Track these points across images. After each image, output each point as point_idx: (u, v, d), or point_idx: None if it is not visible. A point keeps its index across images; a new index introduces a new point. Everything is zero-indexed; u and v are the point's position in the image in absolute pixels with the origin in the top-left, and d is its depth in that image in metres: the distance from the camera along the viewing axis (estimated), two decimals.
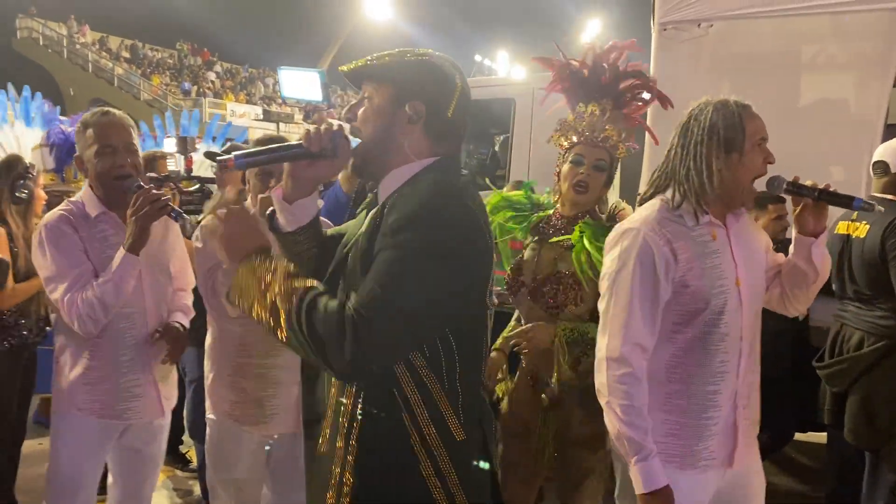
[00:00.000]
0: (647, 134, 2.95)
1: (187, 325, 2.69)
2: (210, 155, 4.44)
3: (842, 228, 3.29)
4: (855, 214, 3.26)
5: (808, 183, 1.91)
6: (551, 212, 2.53)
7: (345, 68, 1.55)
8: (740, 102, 1.88)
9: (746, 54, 4.06)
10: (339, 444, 1.50)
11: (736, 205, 1.92)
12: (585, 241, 2.32)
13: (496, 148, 6.50)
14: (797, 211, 1.94)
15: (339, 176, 4.39)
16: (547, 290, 2.38)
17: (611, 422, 1.84)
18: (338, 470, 1.49)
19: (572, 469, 2.38)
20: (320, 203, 3.83)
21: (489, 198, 2.66)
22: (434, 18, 34.49)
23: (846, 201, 1.89)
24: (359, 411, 1.47)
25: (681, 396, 1.88)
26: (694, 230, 1.88)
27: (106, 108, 2.52)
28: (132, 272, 2.36)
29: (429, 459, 1.44)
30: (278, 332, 1.37)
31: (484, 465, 1.54)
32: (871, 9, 3.75)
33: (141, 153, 2.57)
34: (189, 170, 4.53)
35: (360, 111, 1.53)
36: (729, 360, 1.87)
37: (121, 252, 2.34)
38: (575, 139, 2.42)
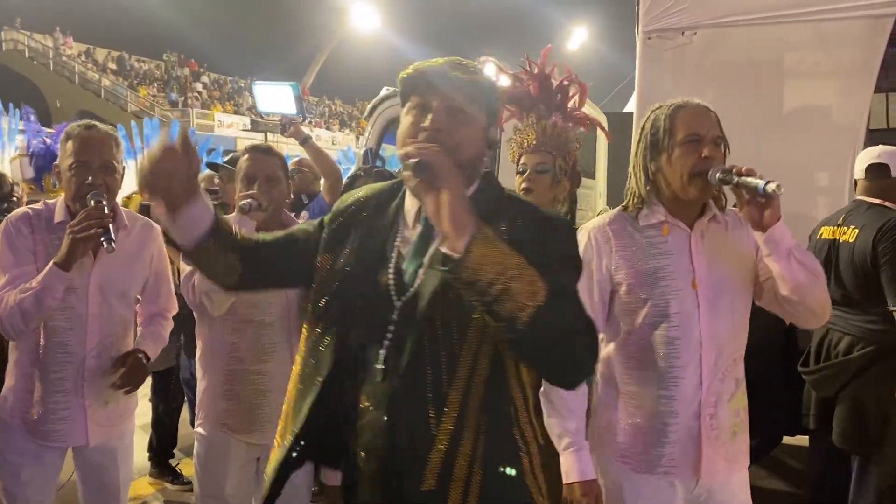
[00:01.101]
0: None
1: (154, 355, 2.62)
2: (213, 166, 4.43)
3: (826, 233, 3.31)
4: (841, 219, 3.27)
5: (735, 170, 1.76)
6: None
7: (461, 75, 1.44)
8: (679, 104, 1.88)
9: (730, 62, 4.09)
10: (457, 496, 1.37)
11: (689, 205, 1.89)
12: None
13: None
14: (741, 204, 1.78)
15: (322, 187, 4.42)
16: None
17: (545, 411, 1.93)
18: None
19: None
20: (305, 215, 3.84)
21: None
22: (421, 28, 34.60)
23: (754, 188, 1.69)
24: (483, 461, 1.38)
25: (633, 398, 1.91)
26: (643, 230, 1.91)
27: (92, 122, 2.47)
28: (57, 287, 2.28)
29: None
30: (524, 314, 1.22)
31: None
32: (851, 17, 3.79)
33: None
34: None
35: (462, 128, 1.43)
36: (684, 366, 1.85)
37: (50, 264, 2.28)
38: (517, 149, 2.60)
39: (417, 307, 1.41)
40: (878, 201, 3.16)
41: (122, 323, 2.56)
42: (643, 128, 1.93)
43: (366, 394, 1.43)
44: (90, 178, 2.35)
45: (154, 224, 2.65)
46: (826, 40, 4.00)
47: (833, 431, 3.14)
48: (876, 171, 3.20)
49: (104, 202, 2.30)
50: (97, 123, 2.48)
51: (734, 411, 1.91)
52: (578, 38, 32.40)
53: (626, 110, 7.18)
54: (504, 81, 2.95)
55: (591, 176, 5.96)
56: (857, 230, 3.12)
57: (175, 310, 2.79)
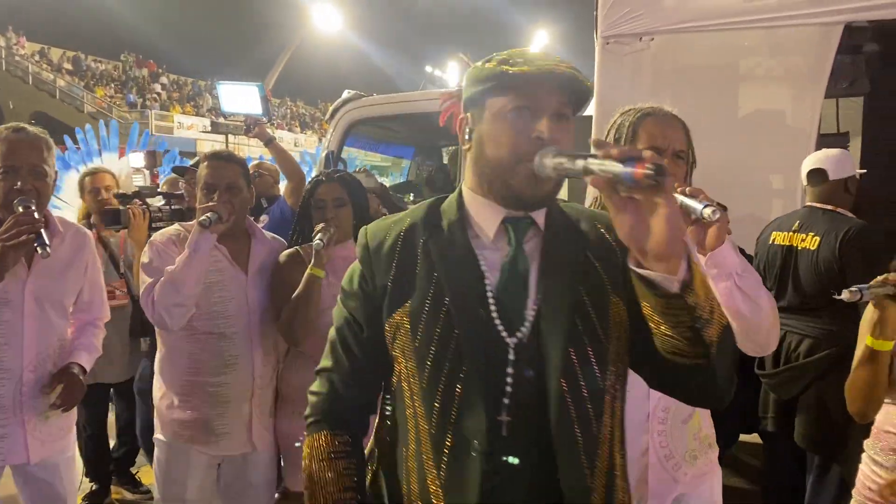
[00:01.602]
0: None
1: (89, 366, 2.55)
2: (179, 170, 4.37)
3: (780, 239, 3.36)
4: (796, 225, 3.34)
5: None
6: None
7: (583, 81, 1.25)
8: (647, 111, 1.81)
9: (687, 67, 4.16)
10: None
11: None
12: None
13: (445, 160, 6.53)
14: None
15: (285, 189, 4.39)
16: None
17: None
18: None
19: None
20: (265, 219, 3.81)
21: None
22: (385, 30, 34.53)
23: (692, 210, 1.52)
24: None
25: None
26: None
27: (21, 126, 2.36)
28: None
29: None
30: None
31: None
32: (802, 24, 3.88)
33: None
34: (156, 185, 4.45)
35: (567, 137, 1.25)
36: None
37: None
38: None
39: (542, 343, 1.21)
40: (830, 207, 3.23)
41: (59, 335, 2.47)
42: (607, 133, 1.89)
43: (497, 447, 1.20)
44: (19, 183, 2.25)
45: (86, 231, 2.60)
46: (779, 47, 4.09)
47: (795, 432, 3.19)
48: (815, 176, 3.28)
49: (33, 207, 2.21)
50: (27, 126, 2.37)
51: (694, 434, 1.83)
52: (540, 42, 32.64)
53: (586, 114, 7.25)
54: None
55: None
56: (817, 237, 3.16)
57: (107, 317, 2.73)
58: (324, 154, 5.92)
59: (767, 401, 3.35)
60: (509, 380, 1.21)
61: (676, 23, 4.02)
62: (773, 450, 3.51)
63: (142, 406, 3.90)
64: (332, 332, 1.41)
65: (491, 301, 1.24)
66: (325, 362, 1.41)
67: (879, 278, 1.86)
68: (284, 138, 29.27)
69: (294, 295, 2.53)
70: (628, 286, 1.16)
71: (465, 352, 1.21)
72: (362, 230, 1.40)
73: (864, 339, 1.94)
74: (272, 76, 34.45)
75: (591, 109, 4.92)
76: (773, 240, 3.37)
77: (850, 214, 3.20)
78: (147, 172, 4.80)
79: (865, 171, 3.28)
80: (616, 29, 4.08)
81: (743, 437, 4.09)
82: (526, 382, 1.21)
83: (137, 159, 4.82)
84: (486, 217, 1.30)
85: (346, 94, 6.08)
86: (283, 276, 2.64)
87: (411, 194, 6.42)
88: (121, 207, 3.45)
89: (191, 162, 4.54)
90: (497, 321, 1.23)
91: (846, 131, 4.84)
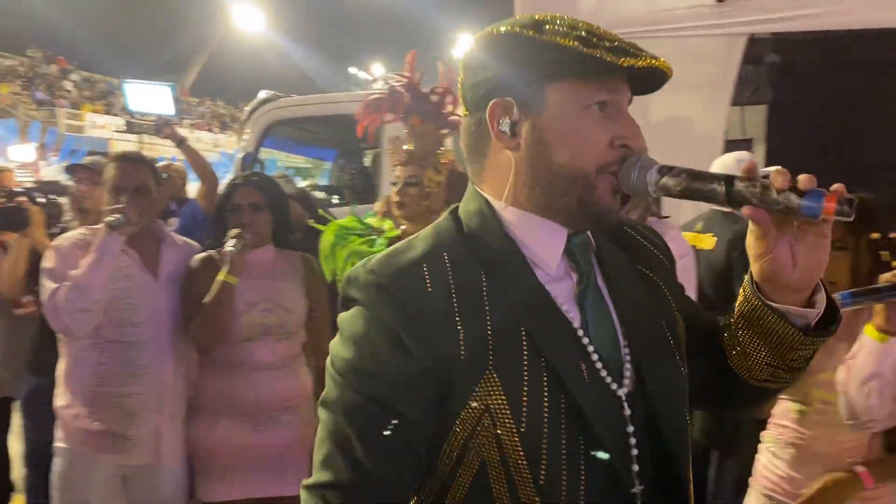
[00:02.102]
0: None
1: None
2: (71, 168, 4.14)
3: (687, 239, 3.50)
4: (699, 225, 3.48)
5: None
6: (399, 231, 2.58)
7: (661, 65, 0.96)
8: None
9: None
10: None
11: None
12: None
13: (366, 163, 6.50)
14: None
15: (198, 192, 4.27)
16: None
17: None
18: None
19: None
20: (174, 221, 3.70)
21: (329, 230, 2.69)
22: (307, 29, 34.09)
23: None
24: None
25: None
26: None
27: None
28: None
29: None
30: None
31: None
32: (709, 34, 4.05)
33: None
34: (38, 181, 4.25)
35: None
36: None
37: None
38: (395, 160, 2.58)
39: (647, 388, 0.99)
40: (726, 209, 3.38)
41: None
42: None
43: None
44: None
45: None
46: (688, 56, 4.25)
47: (695, 427, 3.32)
48: None
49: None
50: None
51: None
52: (466, 45, 32.71)
53: None
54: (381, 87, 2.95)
55: None
56: (714, 238, 3.34)
57: None
58: (240, 156, 5.80)
59: None
60: (633, 440, 0.96)
61: None
62: None
63: (29, 425, 3.36)
64: (328, 428, 0.95)
65: (590, 348, 0.97)
66: (332, 474, 0.92)
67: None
68: (203, 139, 28.51)
69: (205, 301, 2.46)
70: (682, 301, 1.10)
71: (587, 422, 0.92)
72: (361, 273, 0.97)
73: None
74: (190, 75, 33.56)
75: None
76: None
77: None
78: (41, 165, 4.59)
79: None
80: None
81: None
82: (645, 438, 0.98)
83: (24, 153, 4.61)
84: (544, 242, 0.99)
85: (262, 95, 5.99)
86: (195, 281, 2.56)
87: (335, 197, 6.37)
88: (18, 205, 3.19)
89: (84, 160, 4.30)
90: (603, 372, 0.97)
91: (751, 137, 5.07)
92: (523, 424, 0.91)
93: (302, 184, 6.94)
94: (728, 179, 0.89)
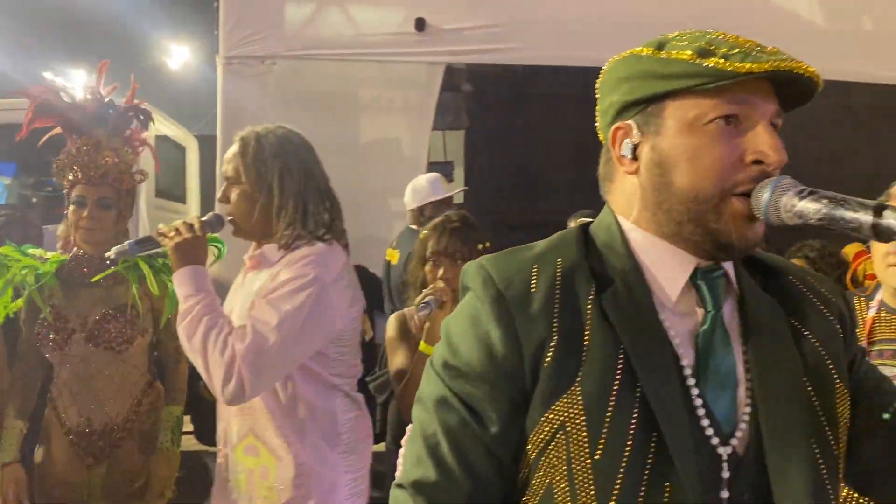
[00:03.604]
0: None
1: None
2: None
3: (386, 255, 3.78)
4: (394, 242, 3.74)
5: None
6: (68, 256, 2.33)
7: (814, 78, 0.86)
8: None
9: (312, 92, 4.29)
10: None
11: None
12: (144, 268, 2.24)
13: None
14: None
15: None
16: (111, 327, 2.24)
17: None
18: None
19: None
20: None
21: None
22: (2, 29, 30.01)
23: None
24: None
25: None
26: None
27: None
28: None
29: None
30: None
31: None
32: (410, 61, 4.27)
33: None
34: None
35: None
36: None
37: None
38: (71, 177, 2.28)
39: (764, 457, 0.86)
40: (415, 227, 3.72)
41: None
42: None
43: None
44: None
45: None
46: (393, 80, 4.45)
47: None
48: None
49: None
50: None
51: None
52: (181, 57, 31.18)
53: (210, 134, 7.13)
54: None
55: (182, 200, 5.75)
56: (398, 253, 3.64)
57: None
58: None
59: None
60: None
61: (297, 49, 4.13)
62: None
63: None
64: (420, 424, 0.91)
65: (694, 392, 0.86)
66: (420, 471, 0.88)
67: (428, 289, 2.02)
68: None
69: None
70: (856, 374, 0.94)
71: (672, 468, 0.82)
72: (475, 266, 0.93)
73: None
74: None
75: (216, 129, 4.82)
76: (386, 256, 3.77)
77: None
78: None
79: (439, 198, 3.73)
80: (238, 50, 4.06)
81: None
82: None
83: None
84: (668, 269, 0.90)
85: None
86: None
87: None
88: None
89: None
90: (705, 421, 0.85)
91: (451, 160, 5.44)
92: (598, 452, 0.82)
93: None
94: (877, 208, 0.77)
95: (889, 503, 0.95)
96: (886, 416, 0.92)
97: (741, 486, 0.85)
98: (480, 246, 2.15)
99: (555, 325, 0.85)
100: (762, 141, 0.84)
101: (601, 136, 0.97)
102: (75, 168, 2.28)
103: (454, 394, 0.88)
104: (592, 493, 0.82)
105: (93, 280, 2.26)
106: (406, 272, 3.43)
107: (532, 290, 0.87)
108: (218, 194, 1.90)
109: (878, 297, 1.83)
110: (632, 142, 0.90)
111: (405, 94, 4.54)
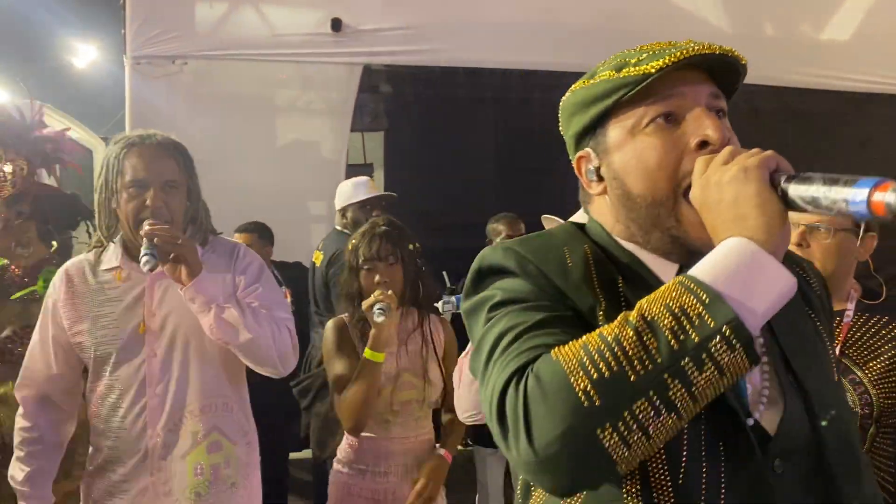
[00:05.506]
0: None
1: None
2: None
3: (313, 257, 3.75)
4: (320, 244, 3.69)
5: None
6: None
7: (740, 58, 0.92)
8: (133, 140, 1.75)
9: (223, 93, 4.17)
10: None
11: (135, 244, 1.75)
12: None
13: None
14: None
15: None
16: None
17: None
18: None
19: None
20: None
21: None
22: None
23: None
24: None
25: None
26: (99, 275, 1.83)
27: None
28: None
29: None
30: None
31: None
32: (327, 62, 4.21)
33: None
34: None
35: (734, 137, 0.94)
36: (125, 415, 1.79)
37: None
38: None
39: (799, 455, 0.89)
40: (339, 228, 3.71)
41: None
42: (104, 163, 1.76)
43: None
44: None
45: None
46: (310, 82, 4.37)
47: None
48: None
49: None
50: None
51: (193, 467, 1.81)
52: (88, 56, 29.88)
53: None
54: None
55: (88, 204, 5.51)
56: (321, 254, 3.62)
57: None
58: None
59: None
60: (777, 457, 0.89)
61: (208, 49, 4.01)
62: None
63: None
64: (495, 338, 0.87)
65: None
66: (526, 356, 0.83)
67: (370, 299, 2.00)
68: None
69: None
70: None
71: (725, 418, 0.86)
72: (501, 250, 0.95)
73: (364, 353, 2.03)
74: None
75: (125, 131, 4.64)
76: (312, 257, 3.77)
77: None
78: None
79: (361, 200, 3.70)
80: (146, 50, 3.91)
81: (294, 456, 4.20)
82: (804, 451, 0.91)
83: None
84: (658, 267, 0.95)
85: None
86: None
87: None
88: None
89: None
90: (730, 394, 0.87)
91: (371, 162, 5.39)
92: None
93: None
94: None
95: None
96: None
97: (790, 485, 0.87)
98: (411, 246, 2.18)
99: (599, 293, 0.90)
100: (700, 124, 0.89)
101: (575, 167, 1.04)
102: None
103: (523, 311, 0.88)
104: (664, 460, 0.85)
105: (15, 297, 2.26)
106: (328, 274, 3.41)
107: (569, 265, 0.93)
108: None
109: None
110: (593, 166, 0.98)
111: (323, 96, 4.46)
